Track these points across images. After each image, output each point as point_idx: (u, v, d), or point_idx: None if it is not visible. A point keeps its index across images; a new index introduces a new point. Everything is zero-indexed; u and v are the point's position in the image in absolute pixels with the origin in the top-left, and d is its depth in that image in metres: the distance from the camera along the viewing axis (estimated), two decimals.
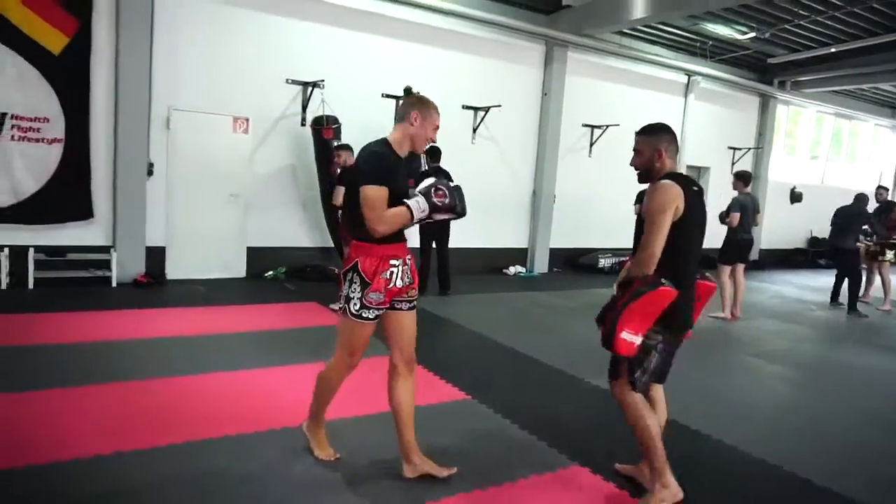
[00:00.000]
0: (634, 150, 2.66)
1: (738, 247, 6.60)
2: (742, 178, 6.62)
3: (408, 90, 2.71)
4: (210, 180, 6.77)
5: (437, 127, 2.77)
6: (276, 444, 2.90)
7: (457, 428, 3.25)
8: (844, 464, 3.19)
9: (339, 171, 5.87)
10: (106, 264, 6.29)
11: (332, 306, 5.94)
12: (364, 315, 2.51)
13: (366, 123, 7.47)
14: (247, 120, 6.88)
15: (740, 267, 6.65)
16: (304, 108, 7.16)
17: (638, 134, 2.68)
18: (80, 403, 3.22)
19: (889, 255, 7.87)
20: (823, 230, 13.50)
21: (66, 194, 6.07)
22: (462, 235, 7.18)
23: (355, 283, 2.51)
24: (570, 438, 3.15)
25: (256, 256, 7.17)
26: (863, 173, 14.51)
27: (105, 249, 6.33)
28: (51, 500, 2.34)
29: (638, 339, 2.39)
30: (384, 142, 2.60)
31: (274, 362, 4.10)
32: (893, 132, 14.86)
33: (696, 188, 2.55)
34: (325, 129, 6.77)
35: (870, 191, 14.59)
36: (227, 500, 2.42)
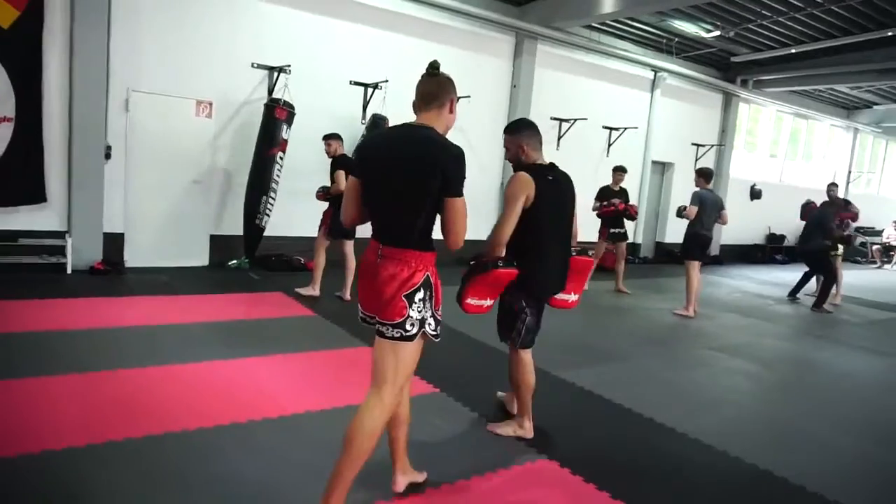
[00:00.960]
0: (504, 147, 3.11)
1: (699, 242, 6.68)
2: (703, 175, 6.71)
3: (436, 65, 2.25)
4: (171, 165, 6.57)
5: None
6: (237, 439, 2.82)
7: (427, 421, 3.24)
8: (805, 456, 3.28)
9: (332, 159, 5.71)
10: (60, 250, 6.04)
11: (301, 290, 5.88)
12: (440, 333, 2.24)
13: (332, 111, 7.41)
14: (210, 104, 6.69)
15: (697, 263, 6.71)
16: (270, 92, 6.99)
17: (504, 133, 3.10)
18: (35, 396, 3.08)
19: (839, 249, 8.12)
20: (780, 226, 14.00)
21: (16, 176, 5.79)
22: None
23: (426, 300, 2.15)
24: (538, 432, 3.16)
25: (219, 244, 7.00)
26: (818, 171, 15.00)
27: (60, 235, 6.09)
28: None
29: (485, 303, 2.89)
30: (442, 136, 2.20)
31: (238, 354, 3.99)
32: (847, 132, 15.37)
33: (550, 177, 2.94)
34: (278, 109, 6.60)
35: (823, 189, 15.12)
36: (192, 497, 2.35)
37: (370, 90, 7.64)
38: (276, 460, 2.66)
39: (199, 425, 2.89)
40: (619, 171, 7.71)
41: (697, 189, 6.63)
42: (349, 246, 5.83)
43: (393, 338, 2.13)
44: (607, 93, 10.30)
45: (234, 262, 6.98)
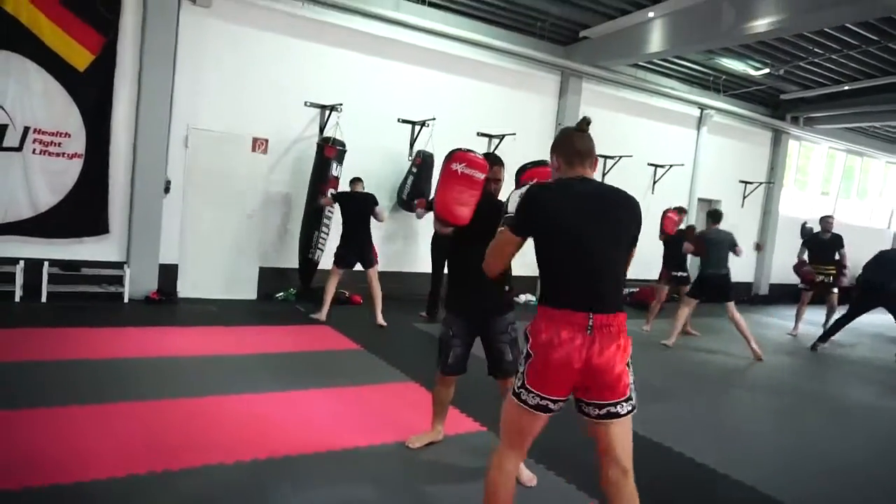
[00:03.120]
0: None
1: (700, 281, 6.76)
2: (710, 216, 6.97)
3: (587, 121, 2.18)
4: (227, 199, 6.81)
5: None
6: (275, 473, 2.84)
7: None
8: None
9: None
10: (119, 280, 6.29)
11: (313, 315, 6.24)
12: None
13: (381, 147, 7.59)
14: (266, 141, 6.94)
15: (728, 305, 6.54)
16: (322, 130, 7.22)
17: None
18: (89, 423, 3.17)
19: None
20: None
21: (83, 209, 6.10)
22: None
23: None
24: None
25: (268, 277, 7.17)
26: (873, 209, 14.50)
27: (119, 265, 6.34)
28: None
29: None
30: None
31: (290, 386, 4.04)
32: None
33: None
34: (327, 147, 6.82)
35: (880, 228, 14.57)
36: None
37: (418, 127, 7.80)
38: (328, 496, 2.67)
39: (254, 456, 2.93)
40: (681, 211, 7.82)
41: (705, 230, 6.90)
42: (372, 273, 6.23)
43: (628, 413, 1.96)
44: (652, 130, 10.25)
45: (282, 293, 7.12)
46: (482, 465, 3.08)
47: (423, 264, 7.99)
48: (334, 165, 6.88)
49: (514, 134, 8.41)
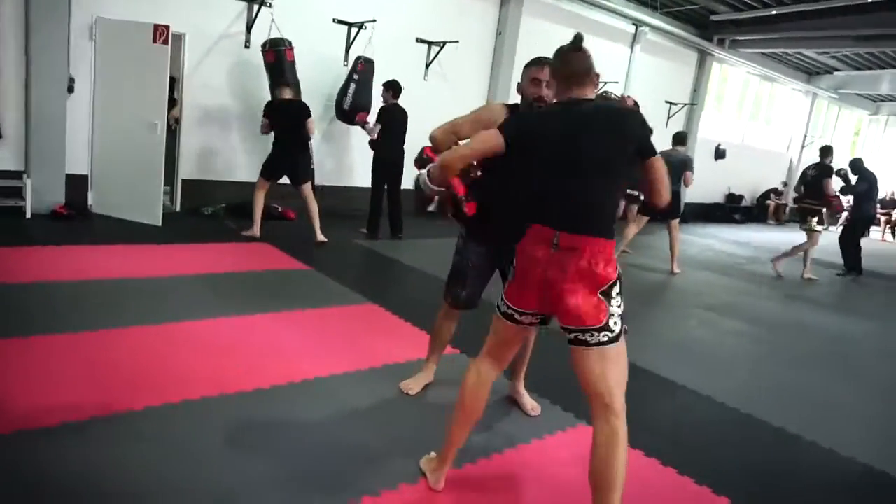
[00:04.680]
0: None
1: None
2: (675, 138, 6.94)
3: (581, 38, 2.08)
4: (142, 103, 6.01)
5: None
6: (252, 408, 2.64)
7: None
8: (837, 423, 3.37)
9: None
10: (18, 192, 5.52)
11: (244, 232, 5.79)
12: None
13: (313, 52, 6.94)
14: (166, 28, 6.01)
15: (673, 222, 6.78)
16: (249, 28, 6.47)
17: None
18: (17, 359, 2.77)
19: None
20: (739, 187, 14.39)
21: None
22: (405, 177, 6.89)
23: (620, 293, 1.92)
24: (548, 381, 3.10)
25: (192, 190, 6.57)
26: (777, 135, 15.40)
27: (17, 175, 5.55)
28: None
29: None
30: None
31: (244, 310, 3.73)
32: (806, 97, 15.74)
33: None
34: (288, 50, 6.17)
35: (780, 152, 15.49)
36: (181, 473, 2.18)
37: (354, 30, 7.18)
38: (314, 430, 2.50)
39: (221, 391, 2.68)
40: None
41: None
42: (306, 188, 5.84)
43: (600, 343, 1.86)
44: (590, 45, 9.99)
45: (209, 208, 6.58)
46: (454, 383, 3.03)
47: (360, 178, 7.65)
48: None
49: (457, 42, 7.97)
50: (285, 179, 5.85)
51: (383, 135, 6.36)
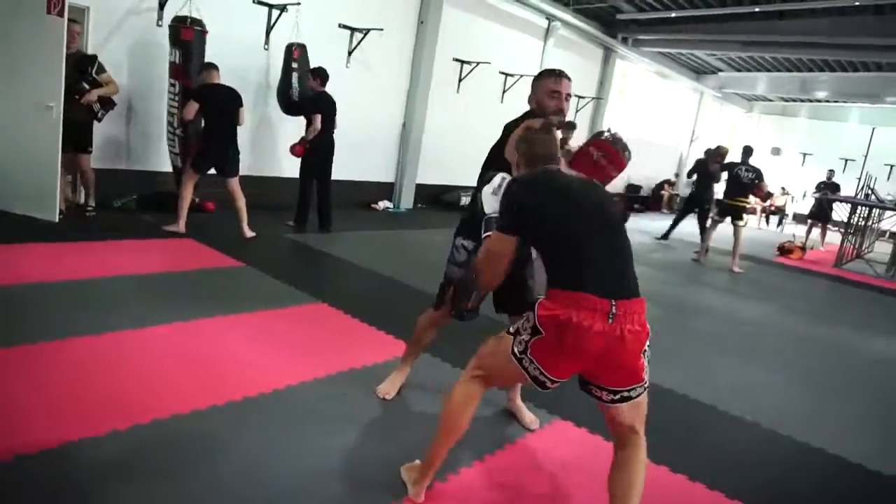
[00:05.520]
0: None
1: None
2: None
3: (552, 124, 2.21)
4: (34, 83, 5.38)
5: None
6: (226, 425, 2.50)
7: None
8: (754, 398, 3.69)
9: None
10: None
11: (167, 227, 5.46)
12: None
13: (233, 36, 6.54)
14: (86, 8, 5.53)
15: None
16: (162, 5, 5.97)
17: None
18: None
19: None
20: (638, 178, 15.29)
21: None
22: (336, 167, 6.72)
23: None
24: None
25: (100, 180, 6.00)
26: (670, 130, 16.48)
27: None
28: None
29: None
30: None
31: (188, 315, 3.49)
32: (695, 94, 16.97)
33: None
34: (184, 29, 5.72)
35: (672, 146, 16.50)
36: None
37: (276, 13, 6.84)
38: (291, 443, 2.40)
39: (193, 407, 2.51)
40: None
41: None
42: (234, 182, 5.56)
43: (639, 395, 1.88)
44: (505, 38, 10.25)
45: (120, 201, 6.05)
46: (428, 383, 3.00)
47: (286, 169, 7.37)
48: (194, 51, 5.76)
49: (381, 29, 7.82)
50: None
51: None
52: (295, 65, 6.59)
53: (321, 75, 6.18)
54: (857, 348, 5.23)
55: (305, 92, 6.52)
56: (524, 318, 1.91)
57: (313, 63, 6.59)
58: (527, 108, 2.66)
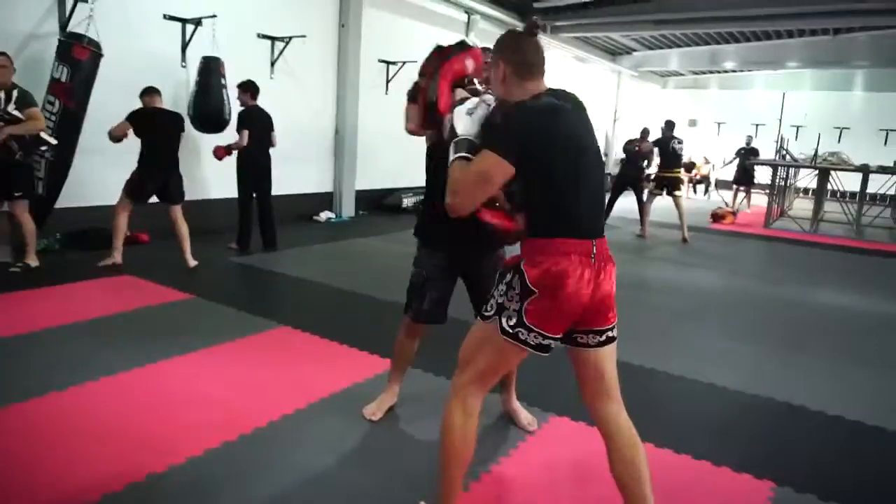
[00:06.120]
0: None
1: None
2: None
3: (536, 24, 1.94)
4: None
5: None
6: (227, 469, 2.31)
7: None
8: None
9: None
10: None
11: (102, 263, 5.10)
12: None
13: (144, 53, 6.15)
14: None
15: None
16: (64, 27, 5.53)
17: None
18: None
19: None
20: None
21: None
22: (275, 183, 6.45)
23: None
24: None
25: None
26: (593, 111, 16.81)
27: None
28: None
29: None
30: None
31: (142, 359, 3.21)
32: (612, 74, 17.44)
33: None
34: (78, 47, 5.30)
35: (597, 126, 16.85)
36: None
37: (191, 27, 6.48)
38: (286, 483, 2.24)
39: (168, 463, 2.29)
40: None
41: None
42: (178, 209, 5.27)
43: (616, 338, 1.87)
44: (429, 35, 10.14)
45: (43, 241, 5.56)
46: (419, 402, 2.88)
47: (214, 190, 7.05)
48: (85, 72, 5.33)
49: (304, 36, 7.57)
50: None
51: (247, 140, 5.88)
52: (223, 80, 6.26)
53: (250, 89, 5.91)
54: (807, 302, 5.47)
55: (230, 107, 6.25)
56: (502, 288, 1.78)
57: (237, 76, 6.30)
58: None
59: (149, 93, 5.18)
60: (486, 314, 1.82)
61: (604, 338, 1.82)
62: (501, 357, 1.82)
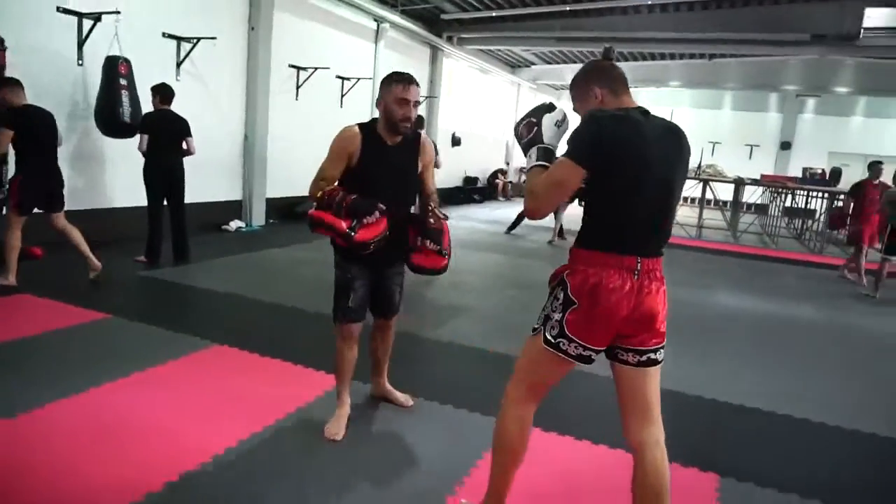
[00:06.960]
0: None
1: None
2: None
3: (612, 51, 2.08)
4: None
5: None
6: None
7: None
8: None
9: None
10: None
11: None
12: None
13: (36, 48, 5.64)
14: None
15: None
16: None
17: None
18: None
19: None
20: (473, 170, 15.97)
21: None
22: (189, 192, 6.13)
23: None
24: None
25: None
26: (496, 122, 17.42)
27: None
28: None
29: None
30: None
31: (67, 388, 2.95)
32: (512, 87, 18.10)
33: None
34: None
35: (499, 137, 17.39)
36: None
37: (88, 22, 6.00)
38: None
39: (130, 500, 2.15)
40: None
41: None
42: (62, 217, 4.83)
43: (660, 361, 1.88)
44: (340, 42, 10.07)
45: None
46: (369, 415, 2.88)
47: (118, 198, 6.60)
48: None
49: (214, 38, 7.24)
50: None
51: (152, 145, 5.56)
52: (122, 81, 5.84)
53: (161, 92, 5.60)
54: (704, 303, 6.01)
55: (136, 111, 5.87)
56: (550, 299, 1.88)
57: (139, 77, 5.94)
58: (367, 112, 2.69)
59: (9, 84, 4.53)
60: (535, 326, 1.91)
61: (644, 358, 1.84)
62: (547, 367, 1.89)
